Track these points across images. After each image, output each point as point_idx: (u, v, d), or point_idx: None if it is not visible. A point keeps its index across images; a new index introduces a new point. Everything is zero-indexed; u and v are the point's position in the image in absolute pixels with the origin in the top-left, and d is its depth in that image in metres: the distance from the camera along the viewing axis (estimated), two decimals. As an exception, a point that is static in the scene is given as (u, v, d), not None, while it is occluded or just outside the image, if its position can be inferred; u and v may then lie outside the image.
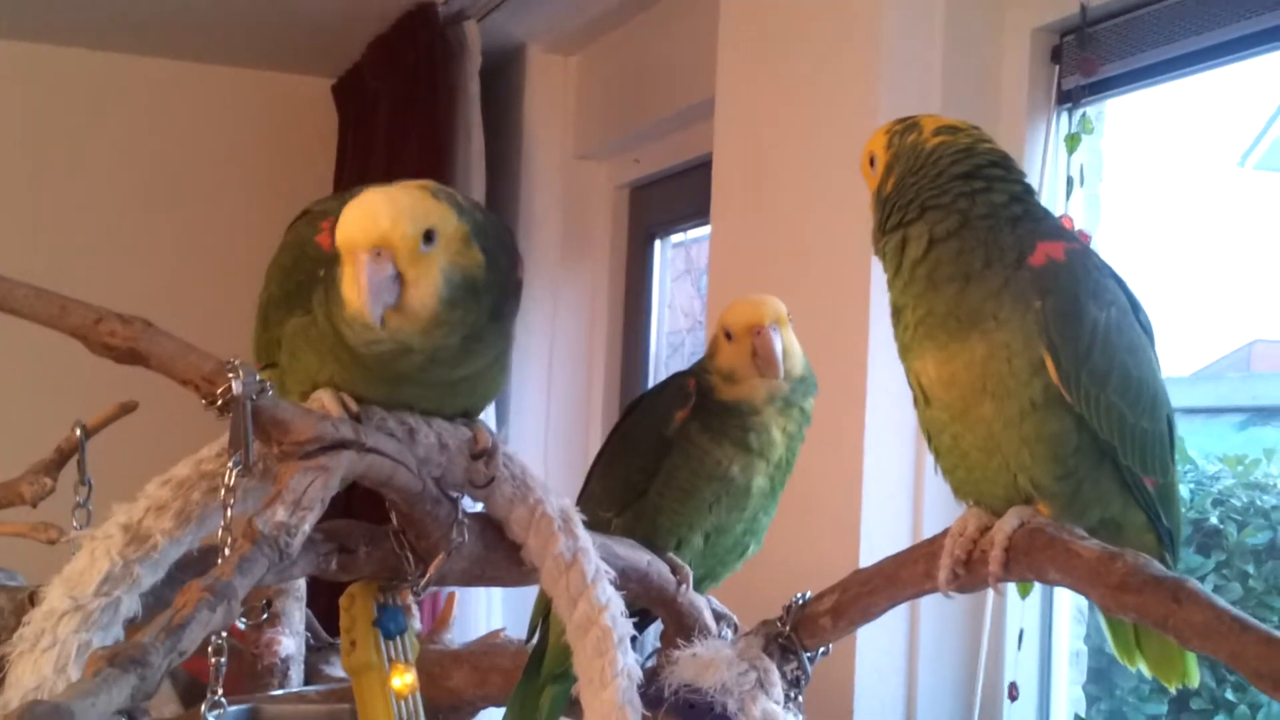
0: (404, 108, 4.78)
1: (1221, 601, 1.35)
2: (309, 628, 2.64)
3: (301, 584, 2.60)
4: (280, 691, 2.39)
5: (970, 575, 1.59)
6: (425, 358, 1.51)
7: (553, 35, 4.86)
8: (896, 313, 1.62)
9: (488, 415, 4.42)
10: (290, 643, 2.52)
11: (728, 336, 1.97)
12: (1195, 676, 1.66)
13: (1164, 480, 1.60)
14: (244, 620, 2.51)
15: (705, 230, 3.96)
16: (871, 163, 1.67)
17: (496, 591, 4.21)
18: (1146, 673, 1.70)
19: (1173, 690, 1.69)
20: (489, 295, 1.52)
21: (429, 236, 1.45)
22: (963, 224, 1.56)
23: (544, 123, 4.98)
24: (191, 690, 2.63)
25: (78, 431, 1.90)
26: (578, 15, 4.62)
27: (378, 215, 1.44)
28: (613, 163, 4.94)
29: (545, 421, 4.96)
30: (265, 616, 2.50)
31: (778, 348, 1.92)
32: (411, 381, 1.56)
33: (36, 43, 5.51)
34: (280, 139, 5.64)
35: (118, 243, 5.57)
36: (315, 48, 5.43)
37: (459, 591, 4.19)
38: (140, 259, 5.56)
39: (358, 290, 1.43)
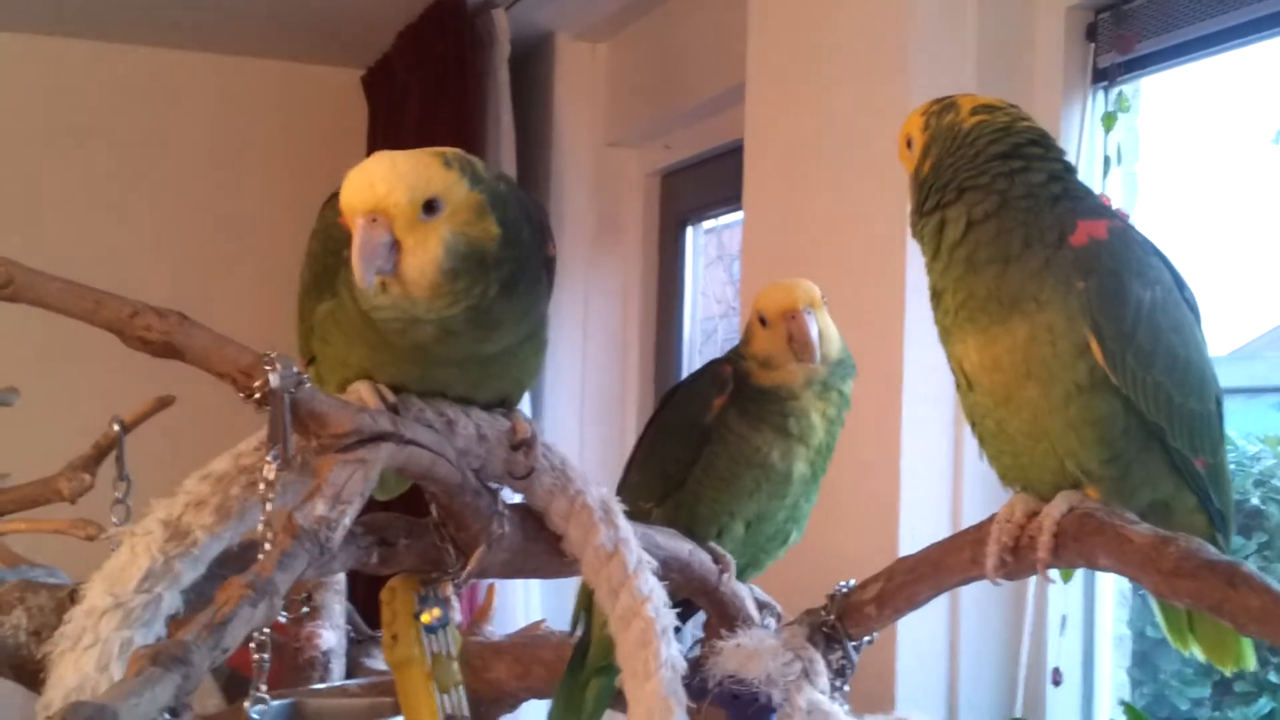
0: (434, 97, 4.77)
1: (1277, 585, 1.32)
2: (350, 621, 2.63)
3: (341, 577, 2.59)
4: (322, 685, 2.38)
5: (1018, 562, 1.57)
6: (437, 328, 1.49)
7: (581, 23, 4.84)
8: (936, 296, 1.59)
9: (522, 405, 4.44)
10: (331, 636, 2.52)
11: (762, 322, 1.95)
12: (1251, 660, 1.64)
13: (1214, 460, 1.58)
14: (285, 614, 2.52)
15: (737, 216, 3.94)
16: (909, 145, 1.65)
17: (535, 583, 4.21)
18: (1200, 656, 1.67)
19: (1227, 673, 1.67)
20: (503, 268, 1.49)
21: (431, 205, 1.43)
22: (1001, 204, 1.53)
23: (574, 111, 4.96)
24: (233, 683, 2.63)
25: (115, 427, 1.90)
26: (606, 2, 4.60)
27: (375, 181, 1.43)
28: (643, 150, 4.92)
29: (580, 410, 4.95)
30: (306, 610, 2.50)
31: (813, 331, 1.91)
32: (437, 361, 1.54)
33: (69, 38, 5.53)
34: (311, 130, 5.64)
35: (151, 236, 5.60)
36: (345, 39, 5.44)
37: (498, 583, 4.21)
38: (174, 252, 5.59)
39: (353, 255, 1.42)
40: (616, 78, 4.92)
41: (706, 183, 4.60)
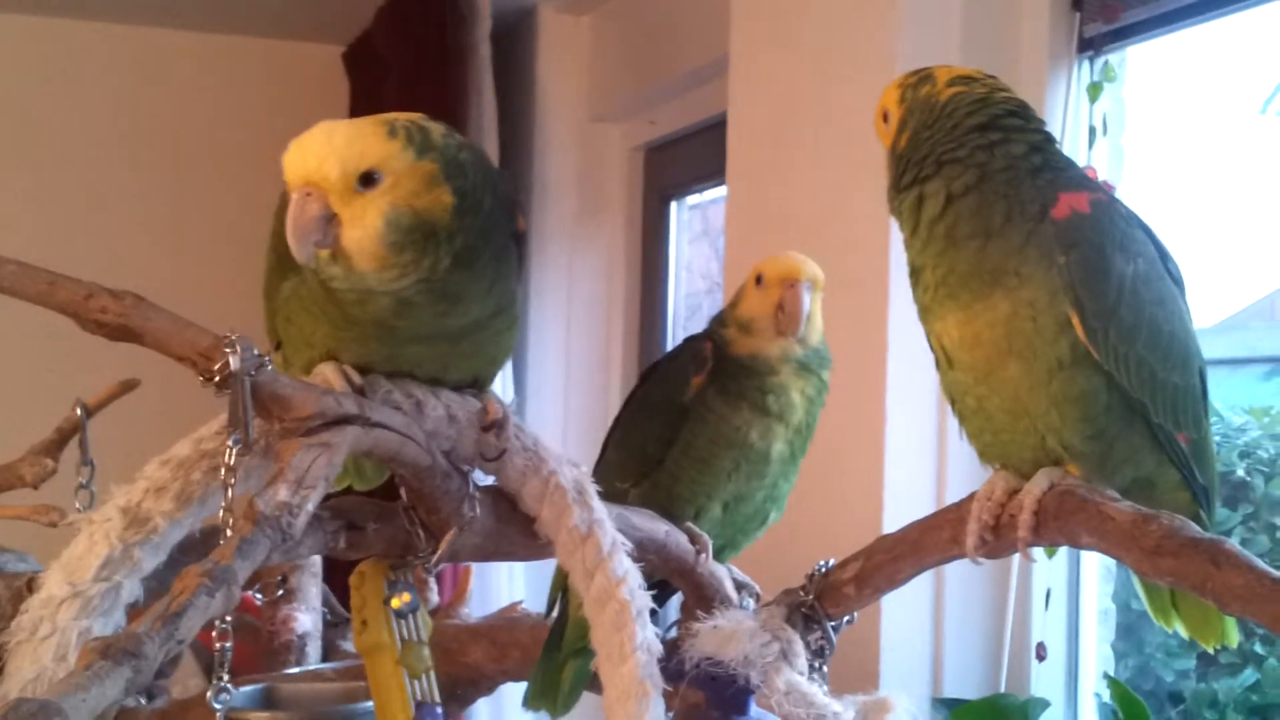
0: (415, 73, 4.73)
1: (1261, 563, 1.31)
2: (326, 604, 2.62)
3: (317, 560, 2.57)
4: (296, 670, 2.36)
5: (998, 540, 1.55)
6: (393, 300, 1.46)
7: (565, -5, 4.81)
8: (915, 273, 1.56)
9: (504, 381, 4.42)
10: (307, 619, 2.50)
11: (758, 282, 1.93)
12: (1234, 637, 1.62)
13: (1197, 436, 1.55)
14: (260, 597, 2.50)
15: (722, 191, 3.91)
16: (885, 118, 1.62)
17: (518, 565, 4.18)
18: (1184, 633, 1.66)
19: (1211, 650, 1.65)
20: (456, 240, 1.45)
21: (369, 177, 1.40)
22: (981, 178, 1.50)
23: (557, 85, 4.93)
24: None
25: (78, 411, 1.87)
26: (589, -26, 4.57)
27: (307, 154, 1.41)
28: (627, 124, 4.88)
29: (564, 386, 4.94)
30: (281, 593, 2.48)
31: (806, 305, 1.89)
32: (402, 338, 1.51)
33: (37, 15, 5.47)
34: (292, 108, 5.56)
35: (128, 216, 5.56)
36: (325, 15, 5.40)
37: (479, 565, 4.18)
38: (151, 232, 5.56)
39: (287, 229, 1.40)
40: (600, 51, 4.88)
41: (691, 157, 4.57)
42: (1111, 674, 2.82)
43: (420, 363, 1.55)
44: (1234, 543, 1.33)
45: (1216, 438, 3.04)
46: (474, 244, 1.48)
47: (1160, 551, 1.36)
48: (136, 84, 5.63)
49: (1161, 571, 1.37)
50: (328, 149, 1.40)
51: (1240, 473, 3.01)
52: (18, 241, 5.03)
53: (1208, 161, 3.13)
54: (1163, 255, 1.54)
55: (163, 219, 5.61)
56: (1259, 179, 3.06)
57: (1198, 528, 1.37)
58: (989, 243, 1.48)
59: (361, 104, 5.38)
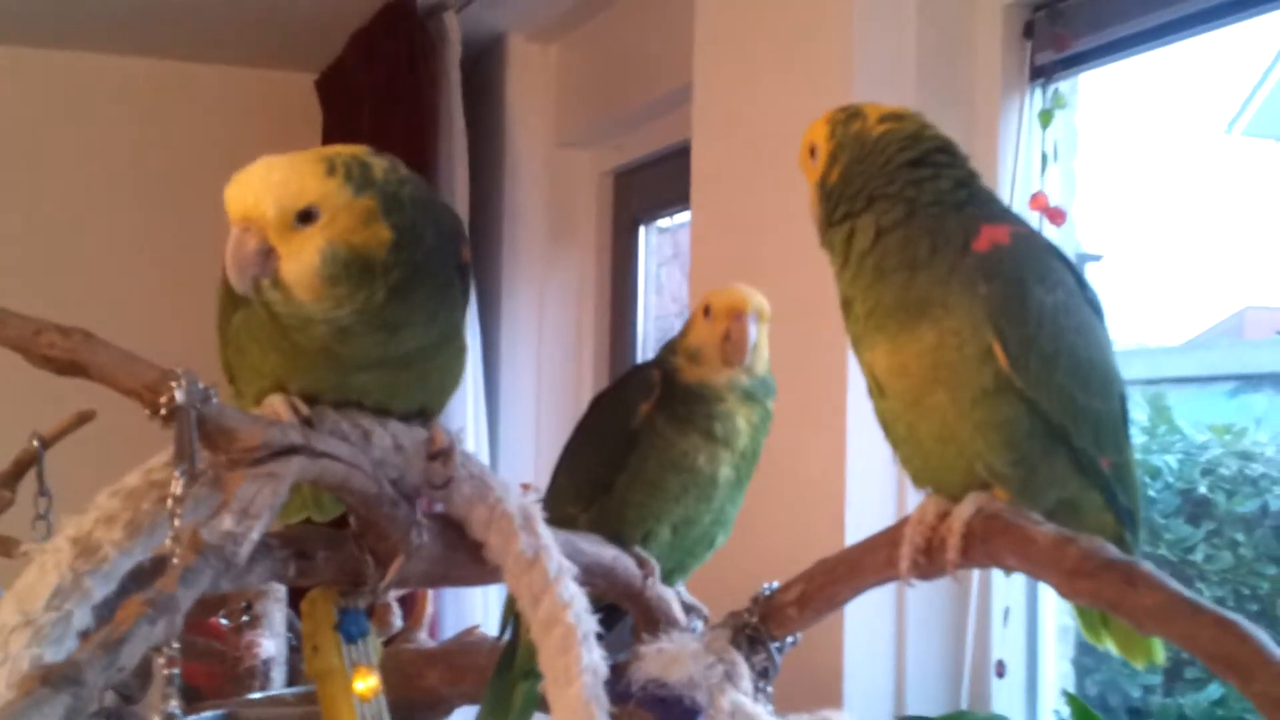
0: (386, 100, 4.77)
1: (1174, 584, 1.35)
2: (290, 629, 2.64)
3: (282, 587, 2.60)
4: (258, 695, 2.39)
5: (930, 563, 1.59)
6: (333, 329, 1.50)
7: (532, 24, 4.84)
8: (846, 305, 1.60)
9: (475, 404, 4.45)
10: (271, 645, 2.53)
11: (706, 313, 1.97)
12: (1160, 655, 1.65)
13: (1119, 459, 1.59)
14: (226, 622, 2.53)
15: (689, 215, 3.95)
16: (813, 153, 1.65)
17: (491, 589, 4.21)
18: (1114, 651, 1.69)
19: (1140, 668, 1.69)
20: (393, 273, 1.49)
21: (306, 214, 1.44)
22: (910, 213, 1.54)
23: (526, 111, 4.97)
24: (187, 694, 2.63)
25: (35, 443, 1.89)
26: (557, 3, 4.60)
27: (245, 191, 1.45)
28: (596, 150, 4.93)
29: (535, 409, 4.97)
30: (246, 619, 2.50)
31: (752, 336, 1.93)
32: (348, 367, 1.55)
33: (13, 45, 5.49)
34: (265, 136, 5.59)
35: (101, 245, 5.56)
36: (297, 43, 5.43)
37: (454, 591, 4.21)
38: (124, 261, 5.56)
39: (226, 261, 1.45)
40: (568, 78, 4.93)
41: (658, 182, 4.61)
42: (1071, 690, 2.86)
43: (368, 391, 1.59)
44: (1148, 564, 1.37)
45: (1179, 455, 3.09)
46: (411, 277, 1.51)
47: (1078, 573, 1.40)
48: (108, 113, 5.63)
49: (1080, 592, 1.41)
50: (265, 186, 1.44)
51: (1203, 490, 3.04)
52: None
53: (1171, 182, 3.18)
54: (1082, 285, 1.58)
55: (134, 248, 5.61)
56: (1224, 198, 3.10)
57: (1115, 549, 1.41)
58: (915, 275, 1.52)
59: (335, 131, 5.40)
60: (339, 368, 1.55)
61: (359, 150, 1.52)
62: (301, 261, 1.45)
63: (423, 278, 1.53)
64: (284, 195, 1.44)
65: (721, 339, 1.94)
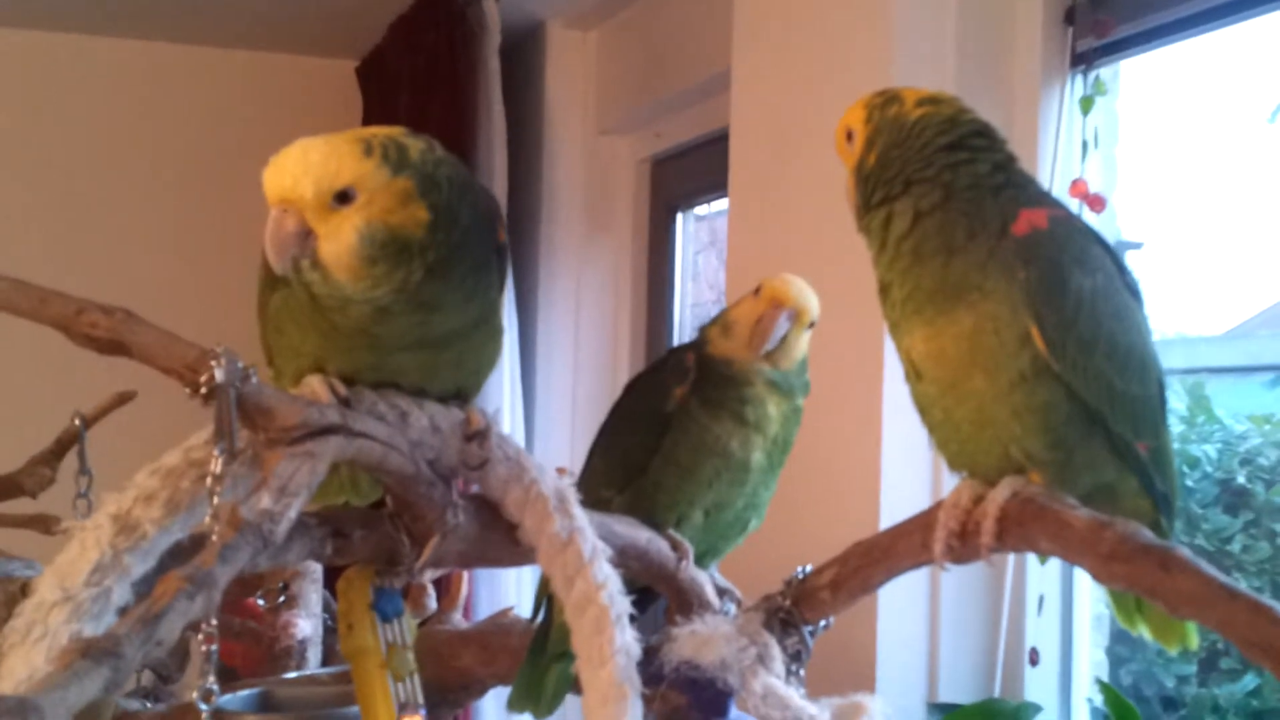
0: (426, 87, 4.79)
1: (1210, 569, 1.34)
2: (326, 609, 2.66)
3: (318, 567, 2.62)
4: (294, 674, 2.41)
5: (965, 547, 1.58)
6: (371, 308, 1.51)
7: (571, 11, 4.85)
8: (884, 290, 1.60)
9: (512, 390, 4.47)
10: (307, 625, 2.54)
11: (756, 292, 1.99)
12: (1195, 640, 1.65)
13: (1156, 444, 1.58)
14: (263, 602, 2.55)
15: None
16: (850, 137, 1.64)
17: (525, 571, 4.23)
18: (1148, 637, 1.69)
19: (1173, 653, 1.68)
20: (429, 254, 1.50)
21: (344, 195, 1.45)
22: (947, 196, 1.54)
23: (565, 99, 4.98)
24: (223, 673, 2.66)
25: (77, 422, 1.91)
26: (596, -9, 4.62)
27: (283, 173, 1.46)
28: (634, 137, 4.93)
29: (572, 396, 4.98)
30: (283, 599, 2.52)
31: (780, 329, 1.94)
32: (386, 347, 1.56)
33: (53, 32, 5.54)
34: (306, 122, 5.54)
35: (143, 230, 5.61)
36: (338, 30, 5.45)
37: (488, 573, 4.23)
38: (166, 245, 5.60)
39: (266, 243, 1.46)
40: (607, 65, 4.93)
41: (696, 169, 4.61)
42: (1104, 679, 2.85)
43: (405, 372, 1.60)
44: (1184, 549, 1.37)
45: (1218, 445, 3.07)
46: (449, 257, 1.52)
47: (1114, 557, 1.40)
48: (151, 101, 5.68)
49: (1115, 576, 1.40)
50: (303, 168, 1.45)
51: (1241, 479, 3.04)
52: (35, 251, 5.11)
53: (1212, 171, 3.16)
54: (1121, 269, 1.58)
55: (178, 233, 5.66)
56: (1266, 188, 3.08)
57: (1151, 534, 1.41)
58: (953, 259, 1.52)
59: (375, 117, 5.42)
60: (377, 348, 1.56)
61: (395, 131, 1.52)
62: (340, 242, 1.45)
63: (460, 258, 1.54)
64: (322, 176, 1.44)
65: (754, 320, 1.95)
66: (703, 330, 2.03)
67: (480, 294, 1.60)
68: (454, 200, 1.52)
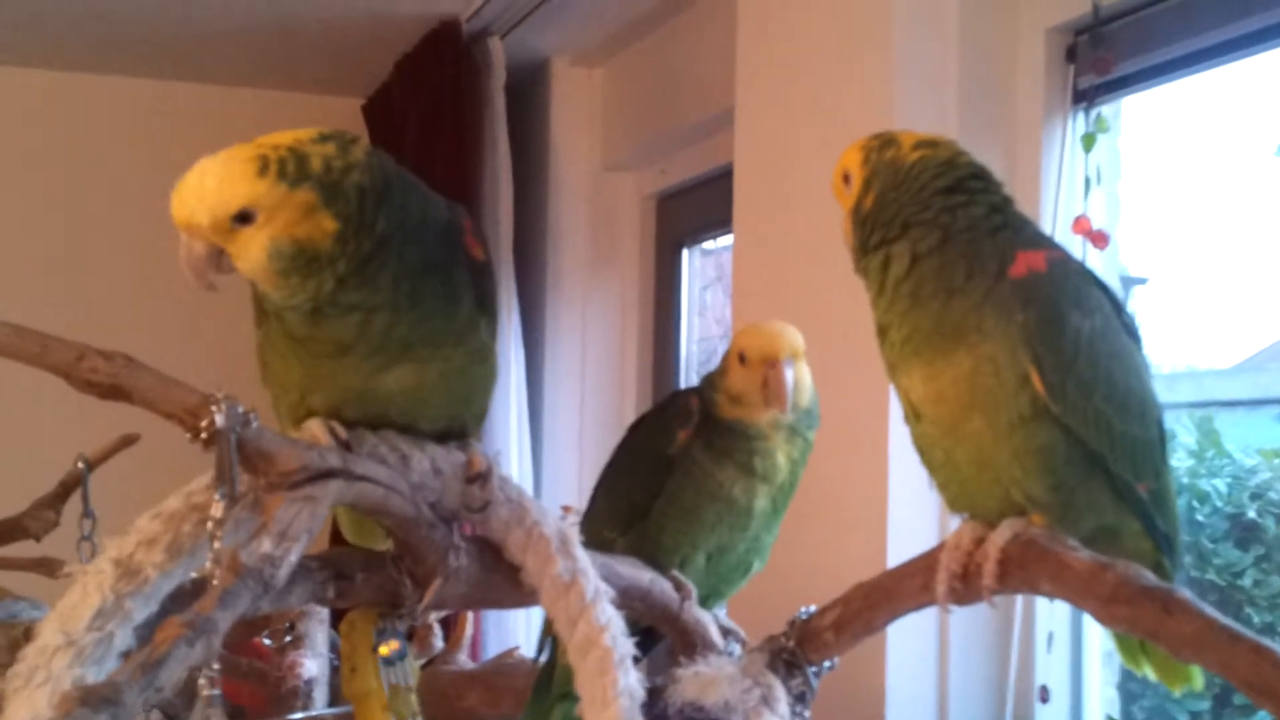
0: (432, 124, 4.81)
1: (1211, 611, 1.34)
2: (332, 649, 2.66)
3: (324, 608, 2.62)
4: (300, 715, 2.41)
5: (967, 588, 1.58)
6: (303, 314, 1.52)
7: (577, 48, 4.88)
8: (882, 331, 1.60)
9: (519, 426, 4.47)
10: (313, 665, 2.54)
11: (741, 360, 1.96)
12: (1199, 681, 1.64)
13: (1157, 485, 1.58)
14: (269, 641, 2.55)
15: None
16: (846, 180, 1.65)
17: (535, 611, 4.22)
18: (1152, 677, 1.69)
19: (1177, 694, 1.68)
20: (340, 263, 1.48)
21: (244, 216, 1.45)
22: (944, 239, 1.54)
23: (570, 135, 5.00)
24: (231, 713, 2.65)
25: (80, 465, 1.92)
26: (601, 28, 4.63)
27: (182, 202, 1.47)
28: (639, 173, 4.95)
29: (579, 430, 4.98)
30: (289, 639, 2.52)
31: (790, 383, 1.92)
32: (362, 367, 1.55)
33: (65, 71, 5.56)
34: (313, 159, 5.63)
35: (149, 270, 5.58)
36: (345, 68, 5.47)
37: (496, 613, 4.22)
38: (168, 285, 5.58)
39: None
40: (612, 102, 4.95)
41: (702, 205, 4.62)
42: (1116, 716, 2.84)
43: (393, 398, 1.59)
44: (1186, 591, 1.36)
45: (1228, 479, 3.06)
46: (368, 264, 1.50)
47: (1115, 599, 1.40)
48: (158, 139, 5.68)
49: (1117, 619, 1.40)
50: (197, 195, 1.46)
51: (1252, 514, 3.02)
52: (39, 294, 5.11)
53: (1218, 205, 3.16)
54: (1119, 310, 1.58)
55: (181, 275, 5.66)
56: (1272, 221, 3.08)
57: (1152, 576, 1.41)
58: (951, 301, 1.52)
59: (382, 154, 5.43)
60: (350, 369, 1.55)
61: (302, 137, 1.51)
62: (250, 259, 1.47)
63: (384, 262, 1.51)
64: (216, 204, 1.45)
65: (760, 386, 1.93)
66: (707, 392, 2.00)
67: (432, 302, 1.57)
68: (367, 208, 1.50)
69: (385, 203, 1.52)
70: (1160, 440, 1.59)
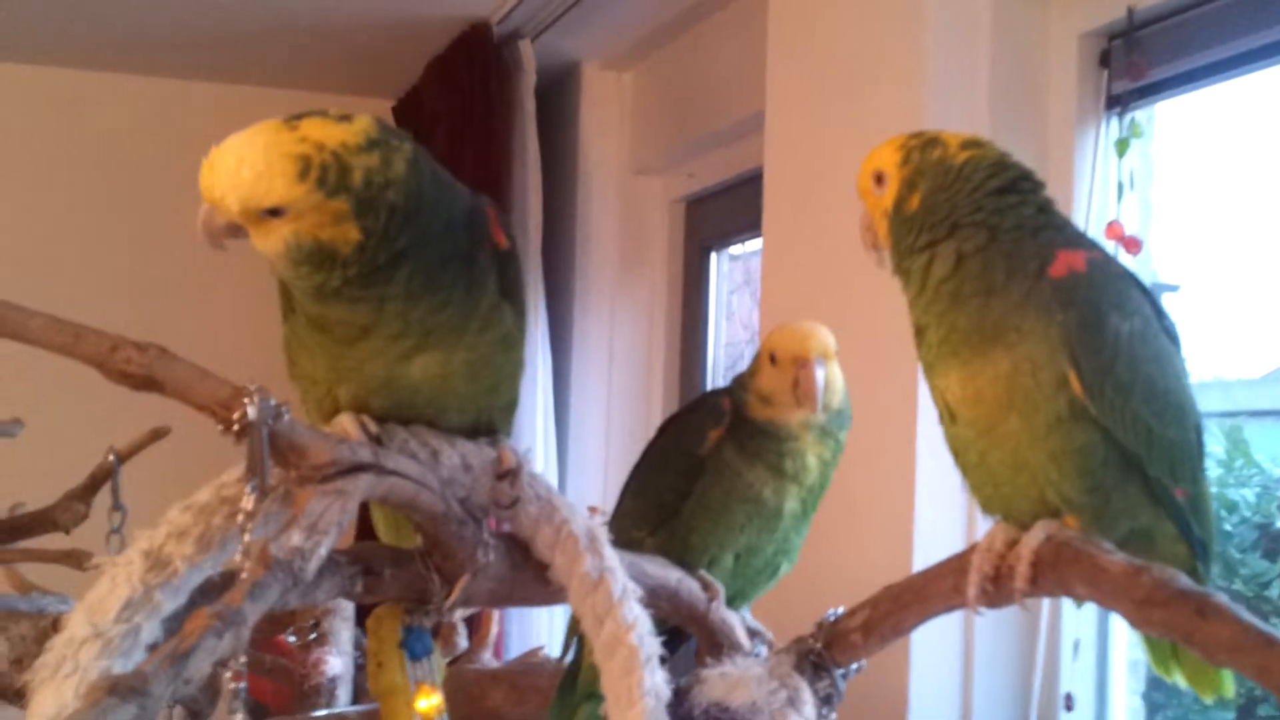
0: (461, 126, 4.82)
1: (1247, 615, 1.32)
2: (357, 647, 2.66)
3: (349, 604, 2.62)
4: (324, 712, 2.41)
5: (998, 591, 1.57)
6: (314, 293, 1.52)
7: (607, 52, 4.88)
8: (919, 332, 1.59)
9: (546, 428, 4.47)
10: (337, 662, 2.54)
11: (772, 360, 1.95)
12: (1230, 688, 1.63)
13: (1194, 490, 1.56)
14: (294, 639, 2.55)
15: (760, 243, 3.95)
16: (879, 180, 1.63)
17: (557, 610, 4.22)
18: (1182, 684, 1.67)
19: (1208, 701, 1.66)
20: (352, 268, 1.48)
21: (274, 211, 1.45)
22: (991, 239, 1.52)
23: (600, 138, 5.01)
24: (255, 710, 2.66)
25: (111, 457, 1.92)
26: (631, 32, 4.63)
27: (214, 182, 1.46)
28: (668, 177, 4.95)
29: (605, 434, 4.98)
30: (314, 636, 2.52)
31: (820, 383, 1.91)
32: (386, 355, 1.55)
33: (94, 70, 5.61)
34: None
35: (181, 265, 5.63)
36: (376, 70, 5.49)
37: (520, 612, 4.22)
38: (207, 286, 5.62)
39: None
40: (641, 106, 4.96)
41: (730, 209, 4.62)
42: (1139, 726, 2.82)
43: (419, 388, 1.58)
44: (1222, 595, 1.35)
45: (1256, 489, 3.04)
46: (374, 271, 1.50)
47: (1150, 602, 1.38)
48: (189, 140, 5.69)
49: (1151, 622, 1.39)
50: (231, 184, 1.45)
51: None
52: (73, 287, 5.15)
53: (1250, 212, 3.13)
54: (1159, 313, 1.56)
55: (218, 270, 5.66)
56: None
57: (1187, 579, 1.39)
58: (990, 300, 1.50)
59: (411, 156, 5.44)
60: (376, 354, 1.55)
61: (350, 142, 1.47)
62: (269, 245, 1.47)
63: (398, 266, 1.51)
64: (249, 196, 1.44)
65: (791, 387, 1.92)
66: (739, 393, 2.00)
67: (451, 289, 1.56)
68: (394, 225, 1.49)
69: (412, 222, 1.50)
70: (1198, 444, 1.57)
